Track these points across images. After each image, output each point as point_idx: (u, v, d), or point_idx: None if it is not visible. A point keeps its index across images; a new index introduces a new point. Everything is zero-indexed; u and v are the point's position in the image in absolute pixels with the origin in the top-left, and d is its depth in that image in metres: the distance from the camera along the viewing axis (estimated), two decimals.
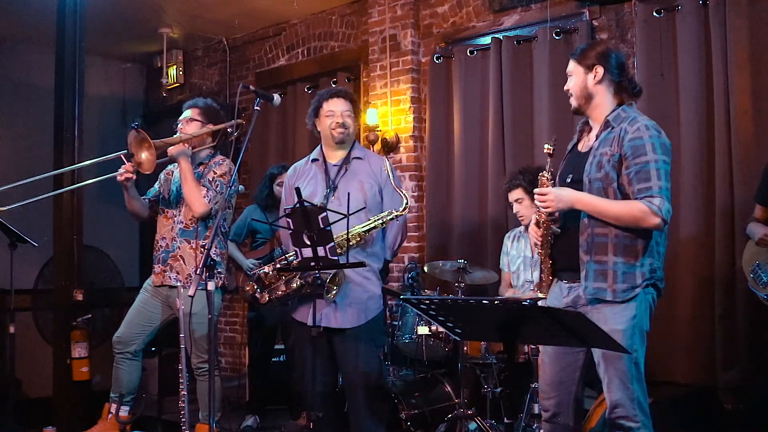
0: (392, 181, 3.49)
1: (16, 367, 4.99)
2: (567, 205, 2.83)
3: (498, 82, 5.18)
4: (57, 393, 5.01)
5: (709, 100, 4.32)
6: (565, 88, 3.01)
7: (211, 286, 3.15)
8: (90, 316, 4.95)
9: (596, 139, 2.91)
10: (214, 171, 4.05)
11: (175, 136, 4.04)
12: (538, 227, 2.93)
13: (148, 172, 3.99)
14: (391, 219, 3.42)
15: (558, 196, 2.83)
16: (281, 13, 6.48)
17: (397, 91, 5.69)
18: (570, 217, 2.89)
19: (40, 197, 4.36)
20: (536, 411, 3.62)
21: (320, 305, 3.36)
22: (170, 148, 3.94)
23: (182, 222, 4.08)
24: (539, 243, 2.94)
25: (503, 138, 5.15)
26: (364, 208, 3.42)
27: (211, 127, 4.12)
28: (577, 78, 2.95)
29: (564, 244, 2.91)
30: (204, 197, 3.95)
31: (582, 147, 3.00)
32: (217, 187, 4.00)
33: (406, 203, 3.43)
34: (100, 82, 7.17)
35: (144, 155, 3.84)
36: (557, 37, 4.90)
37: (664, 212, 2.73)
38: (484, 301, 2.29)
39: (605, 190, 2.81)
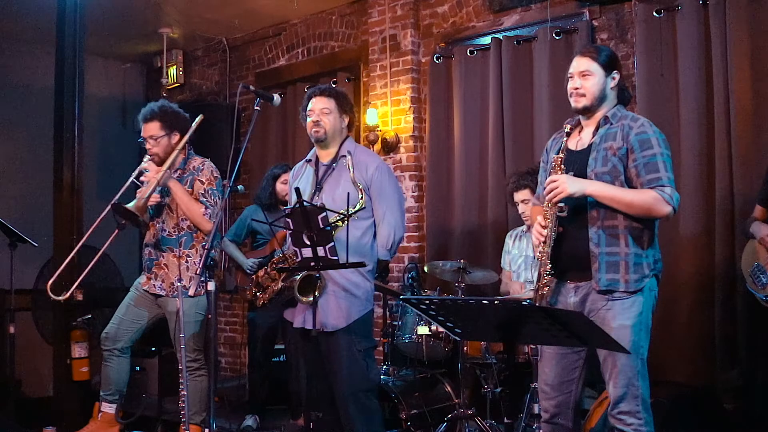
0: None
1: (16, 367, 4.99)
2: (579, 189, 2.80)
3: (498, 82, 5.18)
4: (57, 393, 5.01)
5: (709, 100, 4.32)
6: (579, 85, 2.92)
7: (211, 286, 3.16)
8: (90, 316, 4.96)
9: (593, 136, 2.92)
10: (200, 180, 4.03)
11: (146, 170, 4.00)
12: (543, 227, 2.87)
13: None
14: (350, 215, 3.27)
15: (569, 179, 2.82)
16: (281, 13, 6.47)
17: (397, 91, 5.69)
18: (571, 216, 2.87)
19: None
20: (536, 411, 3.61)
21: (303, 306, 3.37)
22: (151, 179, 3.91)
23: (165, 230, 4.08)
24: (543, 242, 2.85)
25: (503, 138, 5.15)
26: (363, 208, 3.37)
27: (179, 139, 4.04)
28: (597, 79, 2.91)
29: (567, 245, 2.88)
30: (204, 215, 3.96)
31: (574, 146, 2.98)
32: (211, 198, 4.00)
33: (361, 202, 3.34)
34: (100, 82, 7.16)
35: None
36: (557, 37, 4.90)
37: (675, 201, 2.78)
38: (484, 301, 2.29)
39: (612, 183, 2.83)
